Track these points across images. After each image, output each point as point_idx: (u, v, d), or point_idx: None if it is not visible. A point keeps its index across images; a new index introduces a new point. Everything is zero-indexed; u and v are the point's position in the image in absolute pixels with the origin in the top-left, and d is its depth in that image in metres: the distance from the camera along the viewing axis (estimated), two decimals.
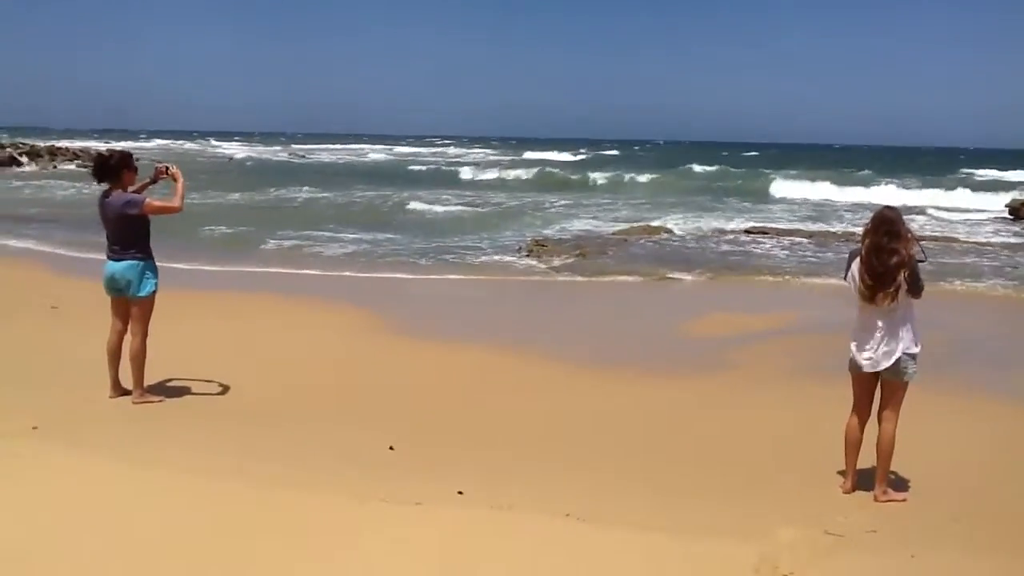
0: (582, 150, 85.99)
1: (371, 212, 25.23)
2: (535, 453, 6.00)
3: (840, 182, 38.14)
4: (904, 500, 5.26)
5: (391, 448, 5.87)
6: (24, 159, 47.14)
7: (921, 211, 28.04)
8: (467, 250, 17.43)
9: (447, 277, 14.13)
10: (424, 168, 54.32)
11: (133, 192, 6.85)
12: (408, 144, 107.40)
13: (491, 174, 46.22)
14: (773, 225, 22.92)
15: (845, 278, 5.32)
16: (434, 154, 78.73)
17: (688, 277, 14.48)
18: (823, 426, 5.98)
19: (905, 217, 5.33)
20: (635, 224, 22.47)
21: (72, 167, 46.95)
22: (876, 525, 4.85)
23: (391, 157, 72.78)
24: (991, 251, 18.85)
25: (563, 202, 29.94)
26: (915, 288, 5.09)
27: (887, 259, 5.01)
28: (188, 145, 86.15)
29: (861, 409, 5.40)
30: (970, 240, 20.85)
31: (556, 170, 48.06)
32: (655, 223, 22.69)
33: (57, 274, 13.21)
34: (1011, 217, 26.41)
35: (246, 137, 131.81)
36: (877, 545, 4.60)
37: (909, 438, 5.42)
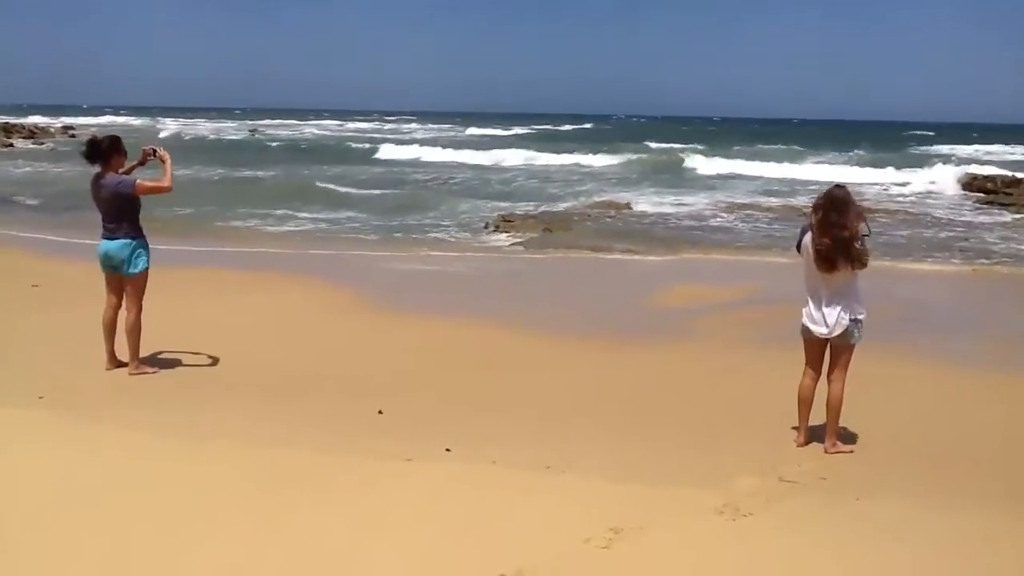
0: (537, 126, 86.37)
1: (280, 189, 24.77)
2: (515, 415, 6.44)
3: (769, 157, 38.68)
4: (852, 451, 5.78)
5: (380, 412, 6.27)
6: None
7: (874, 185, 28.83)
8: (432, 227, 17.78)
9: (419, 253, 14.49)
10: (355, 145, 50.02)
11: (123, 174, 7.13)
12: (370, 120, 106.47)
13: (408, 153, 42.85)
14: (735, 200, 23.48)
15: (798, 250, 5.80)
16: (386, 130, 77.73)
17: (653, 251, 14.99)
18: (779, 387, 6.43)
19: (857, 191, 5.82)
20: (600, 199, 22.96)
21: (31, 145, 46.36)
22: (826, 473, 5.36)
23: (332, 133, 70.32)
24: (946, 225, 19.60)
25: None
26: (861, 260, 5.58)
27: (838, 233, 5.49)
28: (135, 121, 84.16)
29: (812, 370, 5.90)
30: (929, 215, 21.51)
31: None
32: (616, 198, 23.19)
33: (28, 253, 13.34)
34: (964, 192, 26.97)
35: (199, 113, 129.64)
36: (827, 490, 5.10)
37: (859, 398, 5.96)
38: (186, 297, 9.65)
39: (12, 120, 59.36)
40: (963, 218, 21.05)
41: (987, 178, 28.18)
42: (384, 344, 8.42)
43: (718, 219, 19.90)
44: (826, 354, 5.86)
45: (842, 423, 5.86)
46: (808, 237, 5.65)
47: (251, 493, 4.68)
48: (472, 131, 72.59)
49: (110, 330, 7.22)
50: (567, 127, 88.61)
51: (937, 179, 29.57)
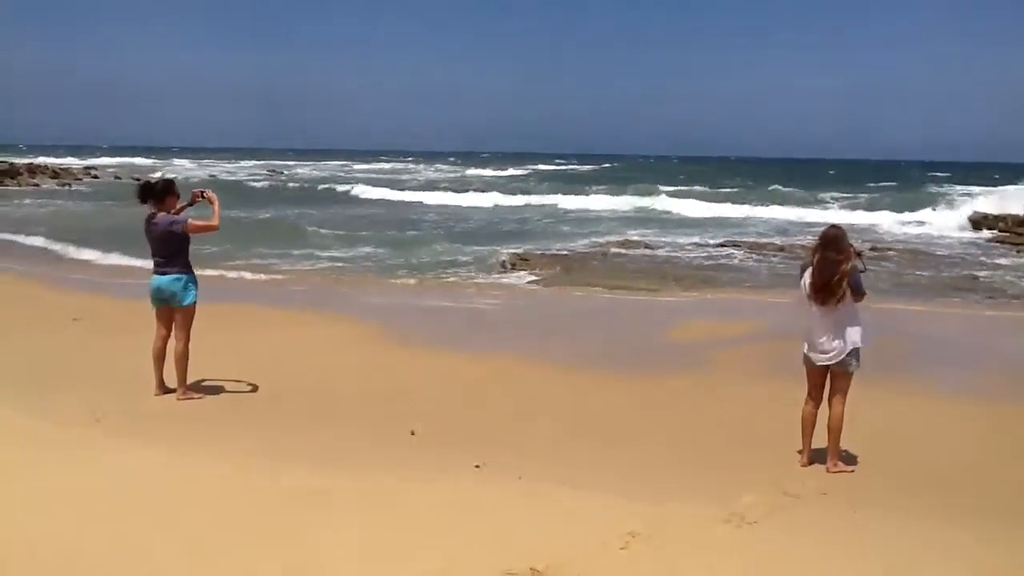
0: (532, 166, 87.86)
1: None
2: (538, 437, 6.91)
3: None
4: (852, 471, 6.21)
5: (412, 433, 6.76)
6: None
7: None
8: (448, 266, 18.29)
9: (439, 291, 15.02)
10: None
11: (174, 214, 7.70)
12: (371, 160, 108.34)
13: (377, 193, 43.72)
14: (745, 239, 23.96)
15: (801, 284, 6.29)
16: (376, 170, 78.95)
17: (668, 288, 15.48)
18: (784, 415, 6.87)
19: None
20: (613, 239, 23.51)
21: (55, 185, 47.46)
22: (827, 489, 5.80)
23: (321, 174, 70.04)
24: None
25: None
26: (857, 294, 6.07)
27: (833, 270, 5.98)
28: (148, 162, 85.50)
29: (814, 396, 6.36)
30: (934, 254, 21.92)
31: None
32: (630, 237, 23.74)
33: (55, 288, 14.01)
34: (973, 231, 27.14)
35: (207, 153, 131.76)
36: (827, 504, 5.55)
37: (861, 424, 6.43)
38: (223, 330, 10.17)
39: (37, 161, 60.76)
40: (970, 257, 21.41)
41: (997, 217, 28.48)
42: (412, 375, 8.90)
43: (729, 258, 20.33)
44: (827, 382, 6.32)
45: (844, 446, 6.30)
46: (807, 274, 6.14)
47: (293, 506, 5.12)
48: (474, 171, 74.01)
49: (159, 359, 7.74)
50: (586, 167, 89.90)
51: (944, 218, 29.97)
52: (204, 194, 7.90)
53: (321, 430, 6.89)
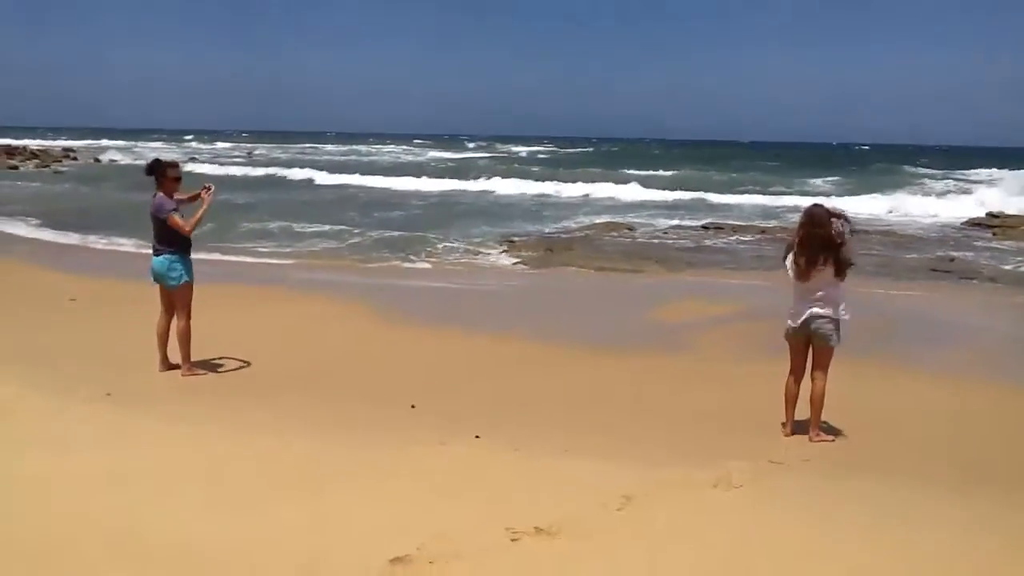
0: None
1: None
2: (534, 410, 7.22)
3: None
4: (832, 440, 6.54)
5: (412, 407, 7.03)
6: None
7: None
8: (435, 249, 18.41)
9: (427, 271, 15.27)
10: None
11: (178, 199, 7.85)
12: (356, 142, 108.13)
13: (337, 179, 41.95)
14: (729, 221, 24.30)
15: (785, 263, 6.59)
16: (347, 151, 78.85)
17: (652, 269, 15.79)
18: (768, 390, 7.17)
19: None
20: (600, 221, 23.79)
21: (32, 167, 47.13)
22: (810, 457, 6.14)
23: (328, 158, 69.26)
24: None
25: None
26: (842, 270, 6.36)
27: (816, 243, 6.29)
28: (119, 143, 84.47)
29: (796, 369, 6.68)
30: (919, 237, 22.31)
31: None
32: (616, 220, 24.03)
33: (45, 269, 14.15)
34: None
35: (196, 136, 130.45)
36: (810, 470, 5.87)
37: (844, 398, 6.76)
38: (223, 309, 10.38)
39: (14, 142, 60.24)
40: (947, 240, 21.82)
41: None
42: (407, 352, 9.17)
43: (714, 241, 20.67)
44: (809, 357, 6.63)
45: (827, 418, 6.65)
46: (792, 252, 6.45)
47: (300, 475, 5.36)
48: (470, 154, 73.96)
49: (162, 337, 7.96)
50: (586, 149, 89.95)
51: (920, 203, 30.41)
52: (201, 193, 8.01)
53: (324, 403, 7.15)
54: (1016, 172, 46.69)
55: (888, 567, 4.27)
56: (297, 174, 44.55)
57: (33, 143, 64.50)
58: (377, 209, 27.22)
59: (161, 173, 7.85)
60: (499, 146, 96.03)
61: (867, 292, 12.86)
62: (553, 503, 4.90)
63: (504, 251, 18.12)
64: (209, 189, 8.03)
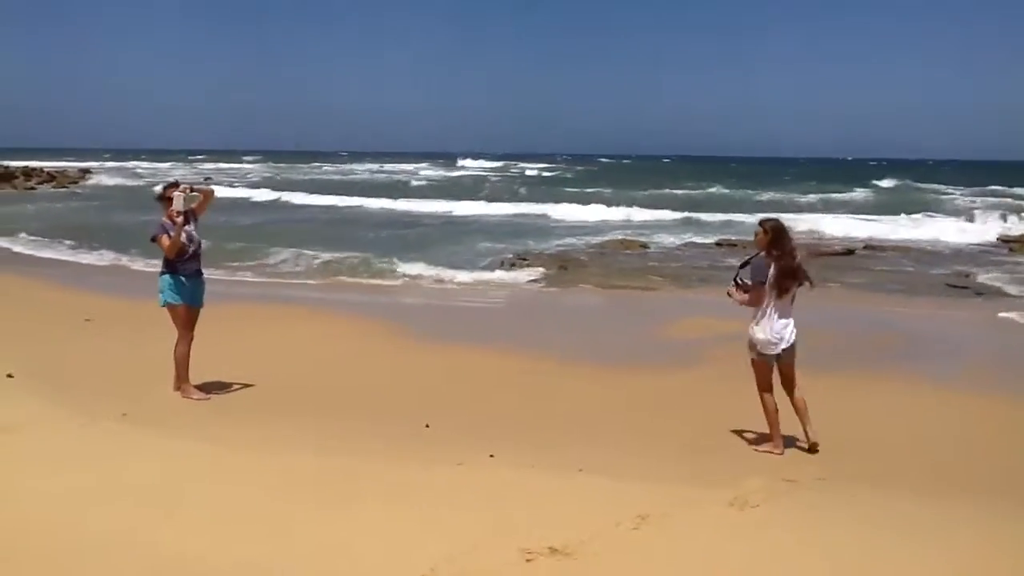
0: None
1: None
2: (548, 428, 7.24)
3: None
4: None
5: (427, 426, 7.04)
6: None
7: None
8: (446, 265, 18.23)
9: (440, 289, 15.30)
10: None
11: (173, 218, 7.82)
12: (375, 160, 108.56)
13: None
14: (741, 238, 24.21)
15: (763, 283, 6.53)
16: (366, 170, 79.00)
17: (665, 285, 15.80)
18: (782, 405, 7.16)
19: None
20: (613, 238, 23.80)
21: (50, 188, 47.64)
22: (824, 475, 6.10)
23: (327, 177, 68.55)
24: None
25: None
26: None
27: (793, 261, 6.45)
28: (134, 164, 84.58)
29: (772, 386, 6.75)
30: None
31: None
32: (629, 237, 24.02)
33: (63, 290, 14.26)
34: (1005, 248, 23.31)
35: (210, 156, 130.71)
36: (825, 488, 5.84)
37: (857, 413, 6.76)
38: (237, 328, 10.44)
39: (31, 164, 60.77)
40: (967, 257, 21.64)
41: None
42: (421, 369, 9.21)
43: (724, 256, 20.62)
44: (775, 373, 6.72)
45: (844, 436, 6.69)
46: (772, 268, 6.47)
47: (313, 495, 5.36)
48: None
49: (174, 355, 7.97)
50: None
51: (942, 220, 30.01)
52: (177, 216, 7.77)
53: (336, 424, 7.16)
54: None
55: None
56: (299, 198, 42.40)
57: (48, 164, 64.99)
58: (390, 227, 27.27)
59: (162, 196, 7.93)
60: (514, 163, 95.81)
61: (882, 307, 12.84)
62: (568, 523, 4.90)
63: (516, 267, 18.11)
64: (177, 185, 7.93)
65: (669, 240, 24.08)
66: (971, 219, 30.14)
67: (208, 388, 8.04)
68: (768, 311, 6.56)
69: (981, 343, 11.21)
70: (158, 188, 8.21)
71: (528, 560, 4.41)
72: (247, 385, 8.29)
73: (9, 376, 8.00)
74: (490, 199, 40.37)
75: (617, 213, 33.17)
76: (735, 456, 6.53)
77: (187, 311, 7.89)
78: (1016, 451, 6.83)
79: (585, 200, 37.67)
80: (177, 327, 7.90)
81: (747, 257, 6.76)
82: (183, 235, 7.74)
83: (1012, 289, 16.13)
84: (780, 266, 6.44)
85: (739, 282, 6.63)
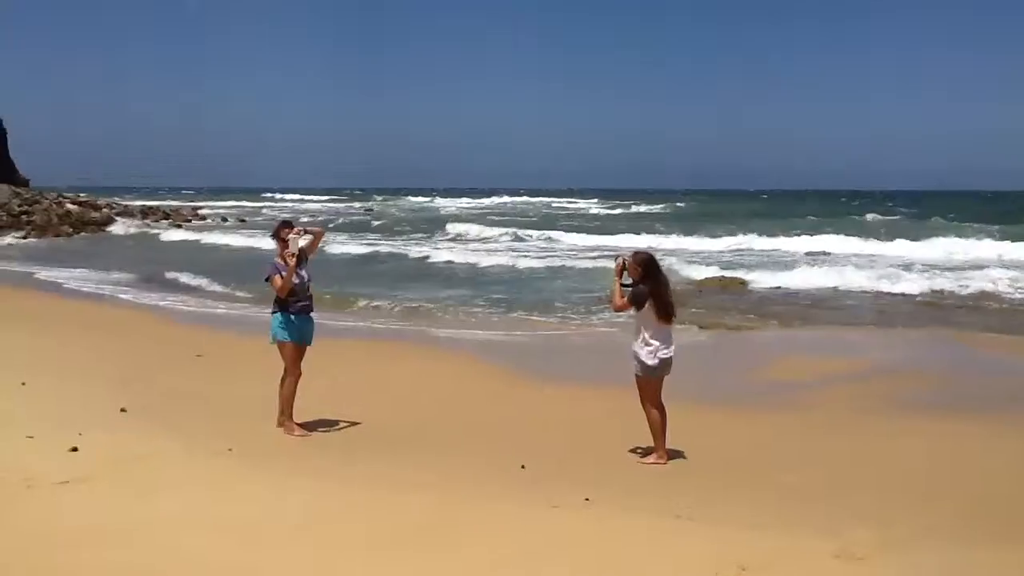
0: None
1: None
2: (645, 471, 7.19)
3: None
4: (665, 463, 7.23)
5: (523, 467, 7.04)
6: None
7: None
8: (544, 305, 17.98)
9: (538, 327, 15.32)
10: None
11: (286, 258, 8.07)
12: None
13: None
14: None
15: (640, 309, 7.22)
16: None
17: (766, 326, 15.47)
18: (888, 450, 6.97)
19: None
20: (710, 276, 23.38)
21: (167, 226, 49.99)
22: (934, 525, 5.83)
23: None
24: None
25: None
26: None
27: (669, 291, 7.28)
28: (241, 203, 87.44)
29: (661, 400, 7.38)
30: None
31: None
32: (728, 275, 23.55)
33: (178, 326, 14.84)
34: None
35: (315, 192, 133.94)
36: (936, 540, 5.56)
37: (965, 461, 6.42)
38: (336, 365, 10.67)
39: (150, 203, 63.92)
40: None
41: None
42: (523, 409, 9.26)
43: (828, 295, 20.02)
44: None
45: (954, 486, 6.55)
46: (652, 297, 7.19)
47: (413, 534, 5.43)
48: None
49: (280, 391, 8.19)
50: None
51: None
52: (289, 256, 8.01)
53: (437, 461, 7.25)
54: None
55: None
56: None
57: (166, 204, 68.16)
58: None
59: (276, 235, 8.22)
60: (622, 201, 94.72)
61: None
62: (665, 571, 4.84)
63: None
64: (290, 225, 8.22)
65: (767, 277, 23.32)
66: None
67: (309, 425, 8.23)
68: (653, 335, 7.25)
69: None
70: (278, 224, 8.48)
71: None
72: (351, 422, 8.47)
73: (123, 411, 8.37)
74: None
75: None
76: (841, 504, 6.29)
77: (295, 348, 8.11)
78: None
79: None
80: (286, 364, 8.12)
81: (633, 281, 7.32)
82: (295, 277, 8.00)
83: None
84: (663, 297, 7.23)
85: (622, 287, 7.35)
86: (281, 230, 8.24)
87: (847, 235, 34.78)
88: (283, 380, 8.12)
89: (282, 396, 8.11)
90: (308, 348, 8.24)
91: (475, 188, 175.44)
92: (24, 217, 42.18)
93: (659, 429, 7.34)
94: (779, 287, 21.32)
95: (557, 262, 27.16)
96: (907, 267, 24.67)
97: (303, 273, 8.14)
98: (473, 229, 44.44)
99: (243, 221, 57.07)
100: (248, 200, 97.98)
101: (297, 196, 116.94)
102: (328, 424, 8.37)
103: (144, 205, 60.42)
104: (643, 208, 77.34)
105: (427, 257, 29.32)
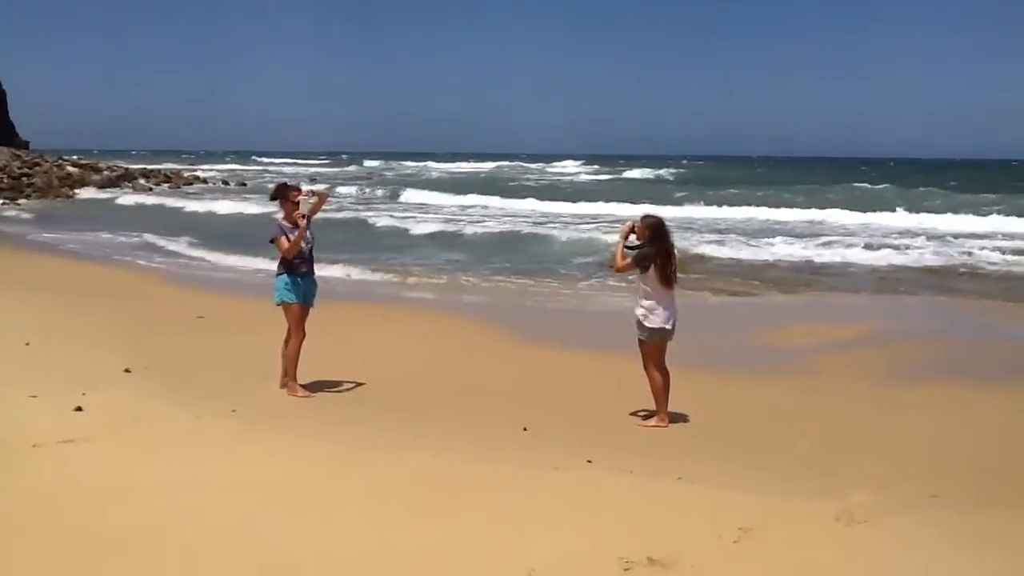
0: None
1: None
2: (648, 434, 7.22)
3: None
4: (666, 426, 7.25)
5: (525, 429, 7.08)
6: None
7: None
8: (542, 270, 18.15)
9: (539, 292, 15.33)
10: None
11: (294, 219, 8.07)
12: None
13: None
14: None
15: (644, 272, 7.29)
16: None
17: (766, 292, 15.48)
18: (891, 418, 6.98)
19: None
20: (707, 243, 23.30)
21: (167, 188, 49.84)
22: (938, 492, 5.85)
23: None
24: None
25: None
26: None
27: (673, 255, 7.35)
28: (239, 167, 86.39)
29: (664, 364, 7.48)
30: None
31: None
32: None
33: (179, 287, 14.86)
34: None
35: (309, 157, 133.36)
36: (938, 506, 5.60)
37: (972, 432, 6.44)
38: (338, 327, 10.68)
39: (149, 167, 63.57)
40: None
41: None
42: (525, 372, 9.28)
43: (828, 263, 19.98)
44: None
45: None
46: (657, 260, 7.25)
47: (410, 497, 5.43)
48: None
49: (283, 352, 8.21)
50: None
51: None
52: (301, 218, 8.03)
53: (436, 423, 7.28)
54: None
55: None
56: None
57: (166, 167, 67.69)
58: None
59: (283, 196, 8.18)
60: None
61: None
62: (667, 533, 4.85)
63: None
64: (291, 188, 8.23)
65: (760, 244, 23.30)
66: None
67: (312, 387, 8.25)
68: (656, 298, 7.32)
69: None
70: (277, 186, 8.47)
71: (626, 570, 4.37)
72: (352, 383, 8.49)
73: (127, 371, 8.39)
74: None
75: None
76: (842, 468, 6.32)
77: (301, 310, 8.13)
78: None
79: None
80: (291, 325, 8.14)
81: (639, 243, 7.39)
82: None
83: None
84: (667, 260, 7.27)
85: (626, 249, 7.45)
86: (288, 191, 8.21)
87: (849, 202, 34.67)
88: (287, 341, 8.13)
89: (286, 357, 8.12)
90: (310, 310, 8.25)
91: (478, 153, 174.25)
92: (25, 180, 42.04)
93: (661, 393, 7.40)
94: (778, 256, 21.26)
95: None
96: (910, 235, 24.70)
97: (308, 236, 8.13)
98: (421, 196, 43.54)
99: (244, 184, 56.86)
100: (238, 163, 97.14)
101: (290, 159, 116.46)
102: (330, 385, 8.39)
103: (143, 168, 60.14)
104: (636, 173, 75.84)
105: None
